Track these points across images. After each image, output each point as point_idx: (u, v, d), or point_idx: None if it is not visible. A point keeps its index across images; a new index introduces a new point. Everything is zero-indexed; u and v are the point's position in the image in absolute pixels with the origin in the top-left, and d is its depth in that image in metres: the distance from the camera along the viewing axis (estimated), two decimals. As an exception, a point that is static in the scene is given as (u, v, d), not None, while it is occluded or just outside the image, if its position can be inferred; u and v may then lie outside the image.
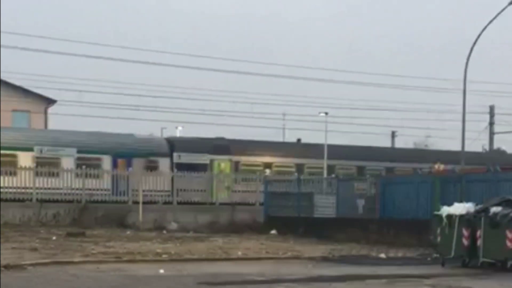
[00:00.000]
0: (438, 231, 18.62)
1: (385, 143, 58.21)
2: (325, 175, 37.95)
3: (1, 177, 31.65)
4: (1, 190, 31.19)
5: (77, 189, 32.68)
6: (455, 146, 39.06)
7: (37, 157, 33.93)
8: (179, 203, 34.12)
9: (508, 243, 17.08)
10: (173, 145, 37.48)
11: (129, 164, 35.07)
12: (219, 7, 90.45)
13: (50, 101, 45.59)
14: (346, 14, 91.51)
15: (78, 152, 34.80)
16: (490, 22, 30.19)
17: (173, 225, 31.34)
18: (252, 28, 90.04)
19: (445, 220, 18.31)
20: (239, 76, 65.16)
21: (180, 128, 54.54)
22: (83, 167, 33.29)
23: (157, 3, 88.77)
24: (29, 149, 33.95)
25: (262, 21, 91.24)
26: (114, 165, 35.16)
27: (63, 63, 69.75)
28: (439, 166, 24.89)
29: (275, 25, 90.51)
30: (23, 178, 32.22)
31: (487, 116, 53.16)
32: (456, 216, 18.12)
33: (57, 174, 33.01)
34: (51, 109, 45.88)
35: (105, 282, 14.32)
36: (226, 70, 62.57)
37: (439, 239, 18.66)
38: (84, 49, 73.04)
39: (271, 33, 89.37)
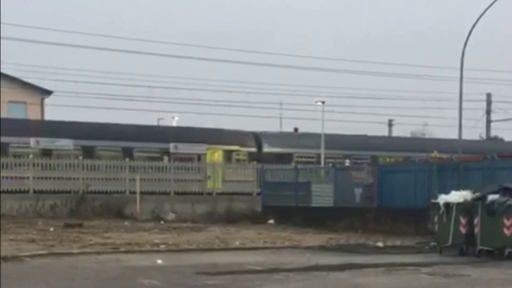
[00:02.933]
0: (436, 219, 18.63)
1: (383, 132, 58.22)
2: (322, 164, 37.99)
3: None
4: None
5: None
6: (453, 135, 39.09)
7: None
8: (176, 193, 34.13)
9: (506, 231, 17.10)
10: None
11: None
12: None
13: (46, 92, 45.51)
14: (343, 2, 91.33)
15: None
16: (486, 9, 30.11)
17: (171, 216, 31.35)
18: (249, 17, 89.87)
19: (442, 208, 18.32)
20: (234, 65, 65.02)
21: (176, 118, 54.42)
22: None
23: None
24: None
25: (258, 9, 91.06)
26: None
27: (58, 54, 69.54)
28: (436, 154, 24.86)
29: (272, 14, 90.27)
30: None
31: (484, 104, 53.20)
32: (453, 204, 18.13)
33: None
34: (47, 100, 45.86)
35: (103, 272, 14.32)
36: (221, 59, 62.27)
37: (436, 227, 18.68)
38: (80, 39, 72.84)
39: (268, 22, 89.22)
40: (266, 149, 39.15)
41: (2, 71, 42.18)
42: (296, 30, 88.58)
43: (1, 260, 15.16)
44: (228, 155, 38.60)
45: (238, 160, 38.73)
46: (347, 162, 37.28)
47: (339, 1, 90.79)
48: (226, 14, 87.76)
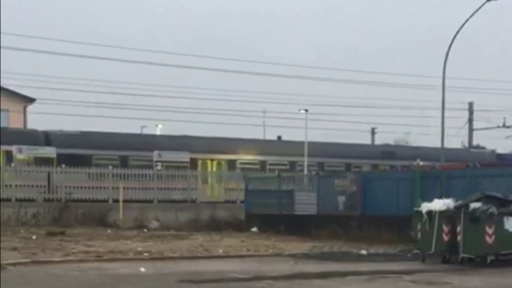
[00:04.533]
0: (419, 227, 18.71)
1: (365, 140, 58.43)
2: (305, 172, 38.05)
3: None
4: None
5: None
6: (435, 143, 39.30)
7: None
8: (159, 201, 34.06)
9: (488, 239, 17.22)
10: None
11: None
12: (200, 5, 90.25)
13: (29, 100, 45.27)
14: (326, 10, 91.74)
15: None
16: (468, 19, 30.40)
17: (154, 224, 31.24)
18: (232, 26, 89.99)
19: (425, 216, 18.41)
20: (218, 73, 65.06)
21: (160, 126, 54.37)
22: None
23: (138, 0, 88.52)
24: None
25: (243, 18, 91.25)
26: None
27: (41, 61, 69.29)
28: (418, 163, 24.99)
29: (257, 23, 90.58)
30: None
31: (467, 113, 53.50)
32: (436, 212, 18.23)
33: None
34: (30, 108, 45.63)
35: (86, 281, 14.26)
36: (206, 68, 62.34)
37: (419, 235, 18.77)
38: (63, 47, 72.62)
39: (252, 31, 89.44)
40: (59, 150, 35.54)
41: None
42: (280, 39, 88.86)
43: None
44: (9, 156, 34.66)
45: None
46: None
47: (324, 11, 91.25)
48: (210, 22, 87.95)
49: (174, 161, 37.15)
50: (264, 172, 37.50)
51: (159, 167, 36.28)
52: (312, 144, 40.78)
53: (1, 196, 30.74)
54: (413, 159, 39.59)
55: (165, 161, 36.94)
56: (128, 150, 36.76)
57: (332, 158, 40.87)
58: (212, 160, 38.85)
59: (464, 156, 39.99)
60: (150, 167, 35.85)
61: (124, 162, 36.02)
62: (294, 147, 40.68)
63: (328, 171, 37.56)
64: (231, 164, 38.86)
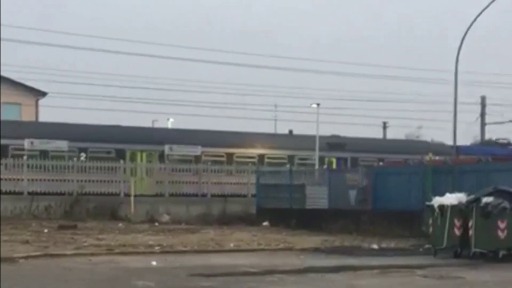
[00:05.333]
0: (430, 221, 18.65)
1: (377, 134, 58.31)
2: (317, 166, 38.00)
3: None
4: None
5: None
6: (447, 137, 39.17)
7: None
8: (171, 195, 34.11)
9: (500, 233, 17.15)
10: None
11: None
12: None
13: (41, 93, 45.45)
14: (340, 4, 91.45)
15: None
16: (480, 13, 30.23)
17: (165, 217, 31.30)
18: (244, 19, 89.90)
19: (437, 210, 18.34)
20: (231, 67, 65.04)
21: (171, 120, 54.45)
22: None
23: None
24: None
25: (254, 11, 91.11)
26: None
27: (54, 55, 69.52)
28: (431, 157, 24.93)
29: (268, 16, 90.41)
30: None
31: (479, 107, 53.27)
32: (448, 206, 18.15)
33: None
34: (41, 101, 45.82)
35: (97, 274, 14.28)
36: (217, 61, 62.38)
37: (431, 229, 18.70)
38: (75, 41, 72.82)
39: (264, 24, 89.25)
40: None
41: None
42: (293, 32, 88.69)
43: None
44: None
45: None
46: None
47: (336, 3, 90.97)
48: (221, 15, 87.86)
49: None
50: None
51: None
52: (252, 135, 40.03)
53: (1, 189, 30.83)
54: (364, 152, 39.51)
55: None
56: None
57: (274, 150, 39.43)
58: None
59: (422, 148, 39.84)
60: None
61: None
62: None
63: (268, 164, 36.85)
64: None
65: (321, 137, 40.47)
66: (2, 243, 18.80)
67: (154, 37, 76.66)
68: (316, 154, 39.80)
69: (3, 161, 32.25)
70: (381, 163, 38.18)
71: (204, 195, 34.67)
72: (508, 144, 43.26)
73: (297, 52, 78.28)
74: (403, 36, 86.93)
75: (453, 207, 18.07)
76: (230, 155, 38.14)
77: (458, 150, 41.47)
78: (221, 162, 37.41)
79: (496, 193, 17.78)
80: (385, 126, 62.32)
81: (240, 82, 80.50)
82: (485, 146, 43.06)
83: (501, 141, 44.38)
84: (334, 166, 39.57)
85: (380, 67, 70.03)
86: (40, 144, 34.50)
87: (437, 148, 41.68)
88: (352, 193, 27.06)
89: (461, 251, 17.99)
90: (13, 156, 33.06)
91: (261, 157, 38.88)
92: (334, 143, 41.42)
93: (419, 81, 60.23)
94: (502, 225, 17.15)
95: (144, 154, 36.77)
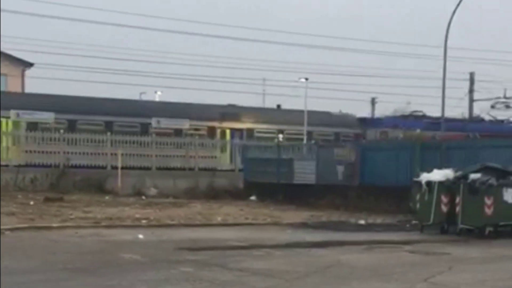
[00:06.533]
0: (418, 197, 18.69)
1: (365, 110, 58.29)
2: (305, 141, 38.01)
3: None
4: None
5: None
6: (436, 113, 39.17)
7: None
8: (158, 168, 34.01)
9: (486, 210, 17.21)
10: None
11: None
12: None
13: (27, 64, 45.06)
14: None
15: None
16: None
17: (152, 191, 31.23)
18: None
19: (424, 186, 18.37)
20: (219, 40, 64.71)
21: (159, 93, 54.21)
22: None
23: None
24: None
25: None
26: None
27: (40, 25, 68.82)
28: (420, 133, 24.97)
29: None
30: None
31: (467, 83, 53.32)
32: (435, 182, 18.18)
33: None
34: (28, 72, 45.44)
35: (84, 247, 14.24)
36: (206, 34, 62.04)
37: (418, 205, 18.74)
38: (62, 11, 72.19)
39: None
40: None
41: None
42: (283, 6, 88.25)
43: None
44: None
45: None
46: None
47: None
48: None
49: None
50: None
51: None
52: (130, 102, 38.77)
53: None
54: (261, 123, 39.06)
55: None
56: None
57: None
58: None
59: (324, 120, 40.45)
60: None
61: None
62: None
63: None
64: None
65: (217, 106, 39.38)
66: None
67: (142, 9, 76.08)
68: (304, 129, 39.80)
69: None
70: (280, 136, 38.29)
71: (191, 169, 34.60)
72: (423, 117, 43.22)
73: (286, 26, 77.92)
74: (395, 11, 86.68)
75: (440, 183, 18.10)
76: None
77: (364, 122, 41.62)
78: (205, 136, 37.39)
79: (484, 170, 17.84)
80: (373, 102, 62.31)
81: (229, 55, 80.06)
82: (397, 119, 42.61)
83: (416, 113, 44.58)
84: (228, 137, 37.93)
85: (369, 42, 69.90)
86: (26, 116, 34.25)
87: (341, 119, 41.89)
88: (340, 169, 27.07)
89: (448, 227, 18.06)
90: None
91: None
92: (228, 113, 39.05)
93: (408, 56, 60.16)
94: (489, 201, 17.21)
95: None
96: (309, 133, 40.07)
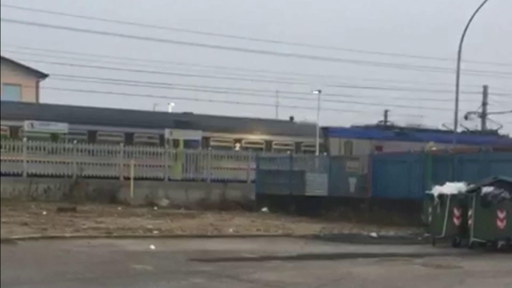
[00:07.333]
0: (430, 210, 18.63)
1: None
2: (317, 153, 37.96)
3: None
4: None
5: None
6: (449, 126, 39.03)
7: None
8: (170, 179, 34.07)
9: (499, 223, 17.12)
10: None
11: None
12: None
13: (42, 75, 45.32)
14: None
15: None
16: (485, 1, 30.04)
17: (165, 202, 31.29)
18: (247, 4, 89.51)
19: (436, 199, 18.31)
20: (233, 52, 64.89)
21: (172, 104, 54.32)
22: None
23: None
24: None
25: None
26: None
27: (56, 37, 69.31)
28: (431, 146, 24.91)
29: (270, 1, 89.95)
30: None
31: (481, 96, 53.14)
32: (447, 195, 18.12)
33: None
34: (42, 83, 45.72)
35: (96, 257, 14.27)
36: (220, 46, 62.05)
37: (430, 218, 18.68)
38: (77, 23, 72.65)
39: (266, 10, 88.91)
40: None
41: (-2, 53, 41.97)
42: (294, 19, 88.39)
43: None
44: None
45: None
46: None
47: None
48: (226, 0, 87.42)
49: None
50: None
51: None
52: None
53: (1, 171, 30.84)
54: (219, 131, 38.42)
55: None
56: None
57: (108, 127, 36.19)
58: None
59: (285, 129, 39.73)
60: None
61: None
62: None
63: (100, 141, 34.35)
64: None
65: (172, 114, 38.93)
66: (1, 224, 18.79)
67: (156, 21, 76.33)
68: (317, 141, 39.73)
69: (2, 142, 32.19)
70: (238, 144, 37.85)
71: (203, 180, 34.65)
72: (392, 127, 43.02)
73: (299, 38, 78.02)
74: (408, 23, 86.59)
75: (452, 196, 18.04)
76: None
77: (327, 131, 40.74)
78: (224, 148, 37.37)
79: (496, 183, 17.74)
80: (386, 114, 62.11)
81: (242, 67, 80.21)
82: (365, 129, 41.85)
83: (381, 123, 44.54)
84: (181, 146, 36.15)
85: (382, 55, 69.86)
86: (40, 126, 34.40)
87: (303, 129, 40.67)
88: (352, 181, 27.04)
89: (460, 241, 17.98)
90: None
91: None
92: (183, 121, 37.57)
93: (421, 69, 60.08)
94: (501, 215, 17.12)
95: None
96: (268, 143, 38.78)
